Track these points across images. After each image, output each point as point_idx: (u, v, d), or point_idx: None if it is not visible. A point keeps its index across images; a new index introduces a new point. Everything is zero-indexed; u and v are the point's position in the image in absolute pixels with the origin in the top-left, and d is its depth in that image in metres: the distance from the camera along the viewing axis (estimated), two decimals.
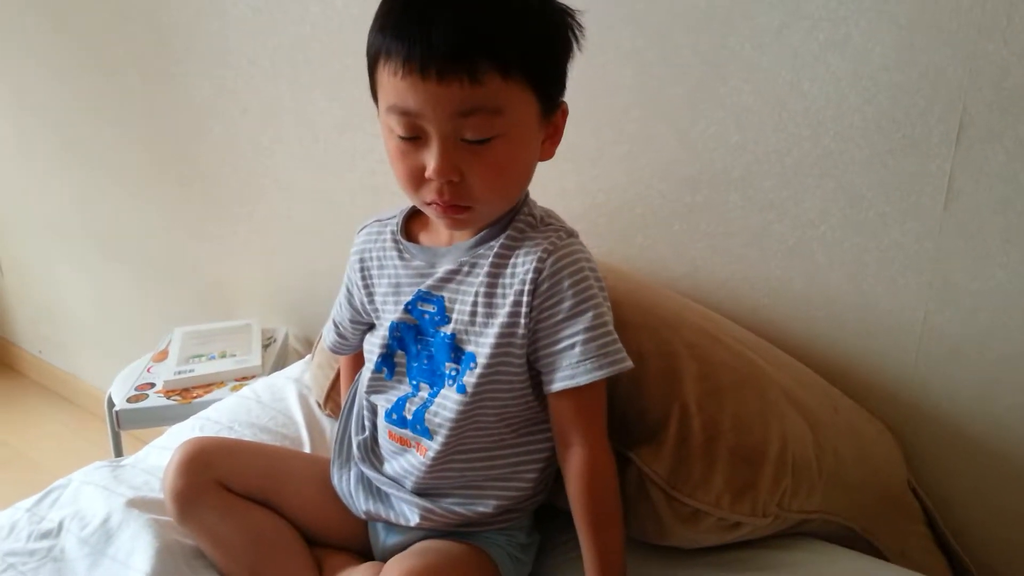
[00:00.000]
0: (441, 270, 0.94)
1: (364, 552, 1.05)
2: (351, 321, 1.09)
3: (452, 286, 0.93)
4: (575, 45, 0.89)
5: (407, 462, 0.97)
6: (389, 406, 0.98)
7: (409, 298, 0.96)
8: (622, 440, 0.99)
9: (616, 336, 0.89)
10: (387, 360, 0.98)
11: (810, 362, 1.15)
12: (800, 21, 1.05)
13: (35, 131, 2.35)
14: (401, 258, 0.98)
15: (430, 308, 0.94)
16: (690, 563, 0.99)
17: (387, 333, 0.97)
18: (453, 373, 0.92)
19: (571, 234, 0.94)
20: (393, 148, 0.87)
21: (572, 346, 0.87)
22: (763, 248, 1.17)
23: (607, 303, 0.90)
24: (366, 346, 1.03)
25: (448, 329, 0.92)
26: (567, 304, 0.88)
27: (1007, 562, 1.11)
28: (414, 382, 0.96)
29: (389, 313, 0.98)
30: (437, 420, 0.93)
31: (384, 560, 0.96)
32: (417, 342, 0.95)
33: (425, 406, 0.94)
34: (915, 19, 0.98)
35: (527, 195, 0.96)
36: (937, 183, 1.02)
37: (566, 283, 0.88)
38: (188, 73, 1.82)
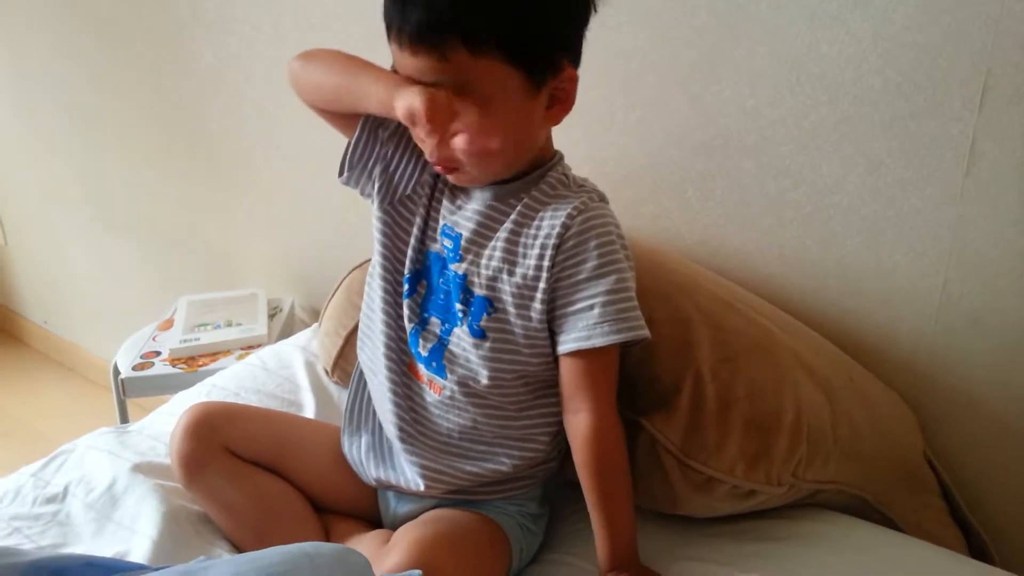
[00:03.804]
0: (469, 208, 0.94)
1: (372, 520, 1.05)
2: (381, 145, 1.03)
3: (473, 227, 0.93)
4: (591, 7, 0.87)
5: (420, 399, 0.96)
6: (407, 336, 0.97)
7: (439, 226, 0.96)
8: (634, 407, 0.98)
9: (637, 304, 0.88)
10: (412, 281, 0.97)
11: (825, 331, 1.13)
12: None
13: (38, 100, 2.32)
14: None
15: (448, 244, 0.94)
16: (702, 533, 0.98)
17: (423, 259, 0.97)
18: (461, 314, 0.92)
19: (603, 198, 0.94)
20: None
21: (591, 307, 0.87)
22: (778, 215, 1.15)
23: (632, 271, 0.90)
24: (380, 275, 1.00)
25: (460, 268, 0.92)
26: (591, 264, 0.87)
27: None
28: (426, 315, 0.96)
29: (416, 204, 0.98)
30: (457, 360, 0.93)
31: (394, 528, 0.96)
32: (441, 275, 0.95)
33: (442, 343, 0.94)
34: None
35: (561, 157, 0.95)
36: (959, 147, 0.99)
37: (592, 243, 0.88)
38: (192, 39, 1.80)
